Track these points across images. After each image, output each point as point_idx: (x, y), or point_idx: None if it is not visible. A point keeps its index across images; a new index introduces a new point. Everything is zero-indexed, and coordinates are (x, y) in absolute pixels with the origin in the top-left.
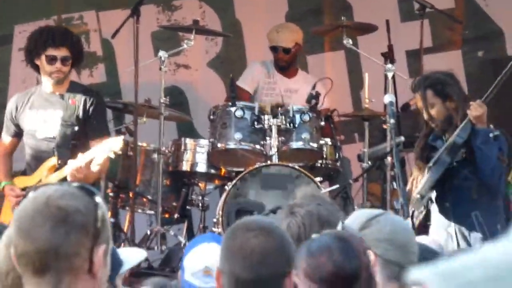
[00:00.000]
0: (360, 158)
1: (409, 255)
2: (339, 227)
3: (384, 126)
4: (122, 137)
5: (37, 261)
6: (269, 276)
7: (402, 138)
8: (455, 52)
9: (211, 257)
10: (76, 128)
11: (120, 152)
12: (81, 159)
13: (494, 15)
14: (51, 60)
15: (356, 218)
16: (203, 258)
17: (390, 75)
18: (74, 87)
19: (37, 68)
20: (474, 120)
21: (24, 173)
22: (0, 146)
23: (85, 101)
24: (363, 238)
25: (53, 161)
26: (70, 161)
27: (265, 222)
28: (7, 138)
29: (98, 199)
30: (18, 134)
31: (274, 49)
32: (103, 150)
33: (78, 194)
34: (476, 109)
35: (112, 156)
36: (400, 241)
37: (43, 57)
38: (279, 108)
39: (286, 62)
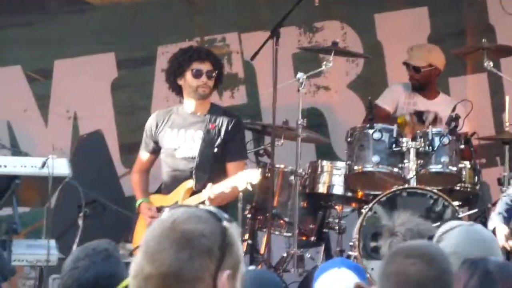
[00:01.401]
0: (500, 182)
1: None
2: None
3: None
4: (259, 170)
5: (161, 284)
6: None
7: None
8: None
9: (341, 283)
10: (216, 150)
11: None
12: (222, 186)
13: None
14: (197, 74)
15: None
16: (333, 283)
17: None
18: (215, 109)
19: (179, 90)
20: None
21: (159, 191)
22: (138, 163)
23: (225, 123)
24: None
25: (191, 183)
26: (209, 185)
27: (428, 248)
28: (145, 155)
29: (227, 223)
30: (156, 151)
31: (406, 65)
32: (241, 180)
33: (205, 217)
34: None
35: (250, 188)
36: (464, 254)
37: (187, 73)
38: (423, 118)
39: (417, 81)
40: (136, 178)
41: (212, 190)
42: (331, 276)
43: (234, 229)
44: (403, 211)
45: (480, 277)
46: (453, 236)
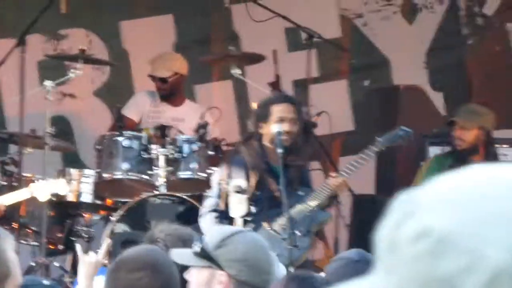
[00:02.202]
0: None
1: (263, 276)
2: (196, 245)
3: None
4: (64, 180)
5: None
6: None
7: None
8: (342, 82)
9: None
10: None
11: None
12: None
13: (380, 44)
14: None
15: (213, 237)
16: None
17: None
18: None
19: None
20: None
21: None
22: None
23: None
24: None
25: None
26: None
27: (149, 256)
28: None
29: None
30: None
31: (152, 78)
32: (44, 191)
33: None
34: None
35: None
36: (253, 261)
37: None
38: (165, 133)
39: (165, 91)
40: None
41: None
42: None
43: None
44: (159, 219)
45: None
46: (239, 242)
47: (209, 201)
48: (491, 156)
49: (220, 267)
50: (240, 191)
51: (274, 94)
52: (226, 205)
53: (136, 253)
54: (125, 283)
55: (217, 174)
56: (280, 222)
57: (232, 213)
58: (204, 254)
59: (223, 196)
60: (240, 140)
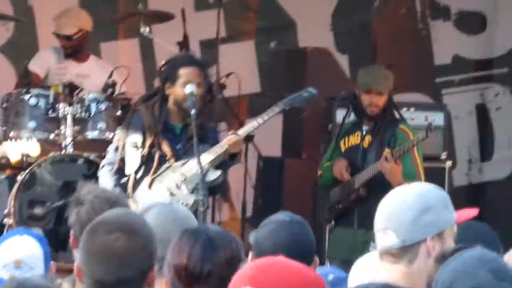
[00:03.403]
0: None
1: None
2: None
3: None
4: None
5: None
6: (132, 276)
7: None
8: (249, 42)
9: (22, 250)
10: None
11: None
12: None
13: (287, 5)
14: None
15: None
16: (14, 250)
17: None
18: None
19: None
20: None
21: None
22: None
23: None
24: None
25: None
26: None
27: (126, 219)
28: None
29: None
30: None
31: (57, 35)
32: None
33: None
34: None
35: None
36: (166, 233)
37: None
38: (74, 91)
39: (71, 49)
40: None
41: None
42: (12, 243)
43: None
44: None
45: (203, 245)
46: (151, 217)
47: (108, 155)
48: (391, 119)
49: None
50: (135, 147)
51: (182, 55)
52: (123, 160)
53: (113, 216)
54: (101, 244)
55: (119, 131)
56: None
57: (126, 169)
58: None
59: (120, 151)
60: (140, 98)
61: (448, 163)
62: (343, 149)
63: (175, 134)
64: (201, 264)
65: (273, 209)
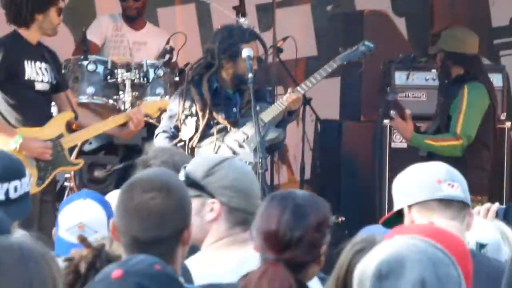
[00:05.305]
0: None
1: (252, 200)
2: (181, 174)
3: None
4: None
5: None
6: (168, 235)
7: None
8: (305, 6)
9: (86, 213)
10: None
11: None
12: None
13: None
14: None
15: (199, 165)
16: (78, 214)
17: None
18: None
19: None
20: None
21: None
22: None
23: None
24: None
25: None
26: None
27: (163, 178)
28: None
29: None
30: None
31: None
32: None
33: None
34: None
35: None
36: (242, 186)
37: None
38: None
39: (136, 10)
40: None
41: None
42: (75, 207)
43: None
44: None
45: (292, 211)
46: (227, 169)
47: (162, 123)
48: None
49: (210, 195)
50: (190, 115)
51: (239, 29)
52: (177, 128)
53: (150, 175)
54: (137, 202)
55: (173, 99)
56: (236, 137)
57: (182, 135)
58: (192, 183)
59: (175, 119)
60: (194, 69)
61: (508, 124)
62: None
63: (229, 98)
64: (291, 231)
65: (331, 172)
